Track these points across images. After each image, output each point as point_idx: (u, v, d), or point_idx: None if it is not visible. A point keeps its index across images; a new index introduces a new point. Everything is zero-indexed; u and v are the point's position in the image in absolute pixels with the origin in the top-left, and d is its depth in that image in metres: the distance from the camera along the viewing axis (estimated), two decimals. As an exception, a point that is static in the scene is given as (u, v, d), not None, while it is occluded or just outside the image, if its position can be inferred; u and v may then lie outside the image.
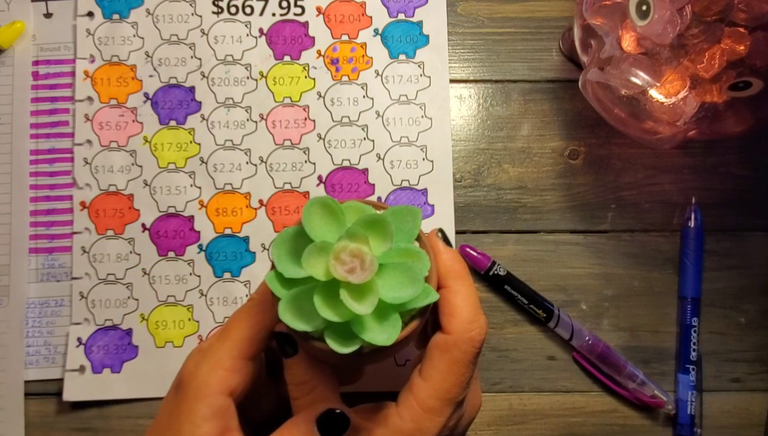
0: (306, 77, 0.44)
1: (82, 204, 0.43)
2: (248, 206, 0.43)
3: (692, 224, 0.43)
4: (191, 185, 0.43)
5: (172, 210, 0.43)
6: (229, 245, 0.43)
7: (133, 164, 0.43)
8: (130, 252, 0.43)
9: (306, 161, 0.44)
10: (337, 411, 0.28)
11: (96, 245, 0.43)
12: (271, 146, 0.44)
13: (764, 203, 0.44)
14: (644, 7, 0.34)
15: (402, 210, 0.29)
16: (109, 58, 0.44)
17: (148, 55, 0.44)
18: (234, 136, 0.44)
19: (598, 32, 0.37)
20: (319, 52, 0.44)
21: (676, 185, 0.44)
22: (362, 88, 0.44)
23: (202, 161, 0.43)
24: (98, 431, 0.42)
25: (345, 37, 0.45)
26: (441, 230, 0.32)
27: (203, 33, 0.44)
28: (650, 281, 0.44)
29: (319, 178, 0.44)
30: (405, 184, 0.44)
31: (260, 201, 0.43)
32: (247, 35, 0.44)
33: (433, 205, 0.43)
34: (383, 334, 0.27)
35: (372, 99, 0.44)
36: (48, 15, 0.44)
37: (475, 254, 0.43)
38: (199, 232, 0.43)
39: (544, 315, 0.42)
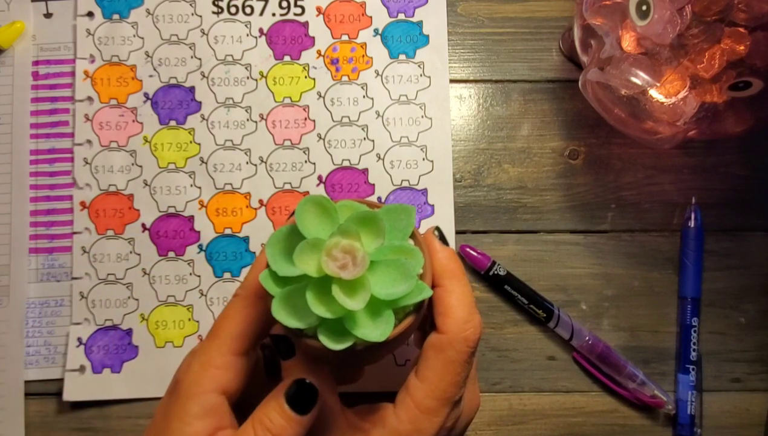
0: (306, 77, 0.44)
1: (82, 204, 0.43)
2: (248, 206, 0.43)
3: (692, 224, 0.43)
4: (191, 185, 0.43)
5: (172, 210, 0.43)
6: (229, 245, 0.43)
7: (133, 164, 0.43)
8: (130, 252, 0.43)
9: (306, 161, 0.44)
10: (307, 381, 0.28)
11: (96, 245, 0.43)
12: (271, 146, 0.44)
13: (764, 203, 0.44)
14: (644, 7, 0.34)
15: (396, 208, 0.29)
16: (109, 58, 0.44)
17: (148, 55, 0.44)
18: (234, 136, 0.44)
19: (598, 32, 0.37)
20: (319, 52, 0.44)
21: (676, 185, 0.44)
22: (362, 88, 0.44)
23: (202, 161, 0.43)
24: (98, 431, 0.42)
25: (345, 37, 0.45)
26: (438, 229, 0.32)
27: (203, 33, 0.44)
28: (650, 281, 0.44)
29: (319, 178, 0.44)
30: (405, 184, 0.44)
31: (260, 201, 0.43)
32: (247, 35, 0.44)
33: (433, 205, 0.43)
34: (376, 330, 0.27)
35: (372, 99, 0.44)
36: (48, 15, 0.44)
37: (475, 254, 0.43)
38: (199, 232, 0.43)
39: (544, 315, 0.42)
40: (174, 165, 0.43)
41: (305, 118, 0.44)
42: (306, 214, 0.28)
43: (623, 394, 0.42)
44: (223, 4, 0.45)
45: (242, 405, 0.30)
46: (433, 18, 0.45)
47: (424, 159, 0.44)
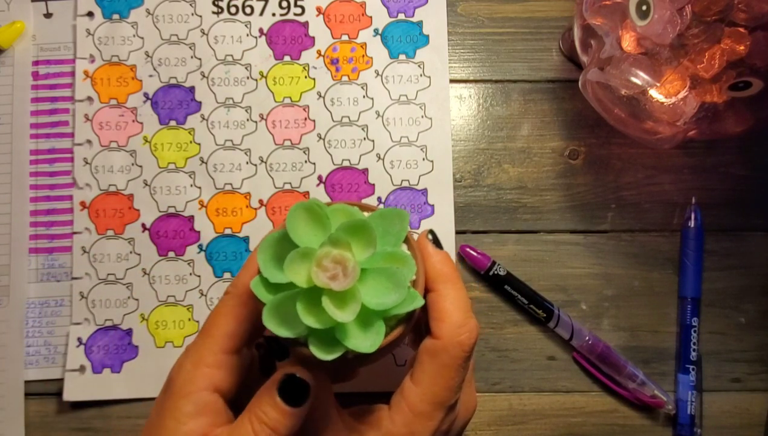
0: (306, 77, 0.44)
1: (82, 204, 0.43)
2: (248, 206, 0.43)
3: (692, 224, 0.43)
4: (191, 185, 0.43)
5: (172, 210, 0.43)
6: (229, 245, 0.43)
7: (133, 164, 0.43)
8: (130, 252, 0.43)
9: (306, 161, 0.44)
10: (297, 376, 0.28)
11: (96, 245, 0.43)
12: (271, 146, 0.44)
13: (764, 203, 0.44)
14: (644, 7, 0.34)
15: (389, 213, 0.29)
16: (109, 58, 0.44)
17: (148, 55, 0.44)
18: (234, 136, 0.44)
19: (598, 32, 0.37)
20: (319, 52, 0.44)
21: (676, 185, 0.44)
22: (362, 88, 0.44)
23: (202, 161, 0.43)
24: (98, 431, 0.42)
25: (345, 37, 0.45)
26: (431, 232, 0.32)
27: (203, 33, 0.44)
28: (650, 281, 0.44)
29: (319, 178, 0.44)
30: (405, 184, 0.44)
31: (260, 201, 0.43)
32: (247, 35, 0.44)
33: (433, 205, 0.43)
34: (366, 341, 0.27)
35: (372, 99, 0.44)
36: (48, 15, 0.44)
37: (475, 254, 0.43)
38: (199, 232, 0.43)
39: (544, 315, 0.42)
40: (174, 165, 0.43)
41: (305, 118, 0.44)
42: (297, 221, 0.27)
43: (623, 394, 0.42)
44: (223, 4, 0.45)
45: (240, 402, 0.30)
46: (433, 18, 0.45)
47: (424, 159, 0.44)
